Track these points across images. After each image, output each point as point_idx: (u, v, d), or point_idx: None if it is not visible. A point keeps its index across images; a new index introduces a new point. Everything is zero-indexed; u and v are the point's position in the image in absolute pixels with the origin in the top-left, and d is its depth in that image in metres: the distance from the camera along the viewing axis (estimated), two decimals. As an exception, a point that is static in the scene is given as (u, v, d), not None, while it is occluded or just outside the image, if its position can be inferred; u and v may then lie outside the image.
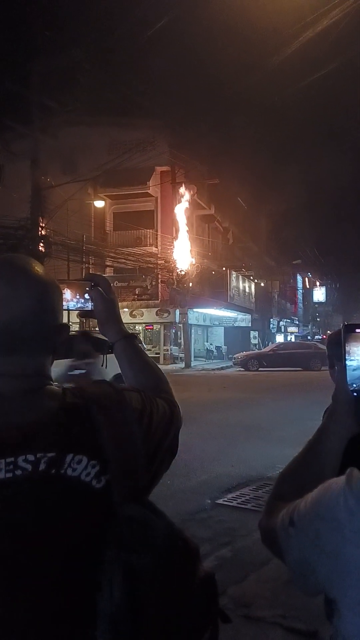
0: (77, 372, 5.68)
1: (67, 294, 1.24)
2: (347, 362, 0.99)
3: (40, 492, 0.85)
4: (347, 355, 0.99)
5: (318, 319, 62.67)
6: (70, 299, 1.25)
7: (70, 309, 1.26)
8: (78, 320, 19.10)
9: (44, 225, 21.52)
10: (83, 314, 1.27)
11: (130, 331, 1.25)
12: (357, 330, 1.00)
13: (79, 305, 1.27)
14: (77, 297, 1.26)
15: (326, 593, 0.82)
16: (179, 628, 0.84)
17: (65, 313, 1.10)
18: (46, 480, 0.85)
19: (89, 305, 1.26)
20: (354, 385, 0.97)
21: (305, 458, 0.99)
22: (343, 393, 0.98)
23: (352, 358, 0.98)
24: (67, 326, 1.04)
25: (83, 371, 5.70)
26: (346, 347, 0.99)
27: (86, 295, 1.26)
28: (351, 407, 0.97)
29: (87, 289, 1.26)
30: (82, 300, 1.27)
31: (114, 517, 0.86)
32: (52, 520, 0.84)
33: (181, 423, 1.13)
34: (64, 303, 1.15)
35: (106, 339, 1.26)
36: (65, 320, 1.06)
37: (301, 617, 3.12)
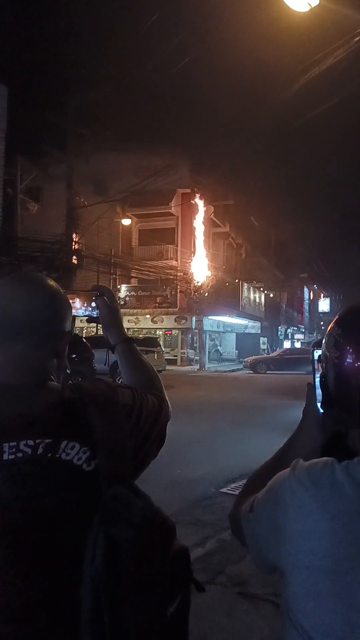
0: None
1: (77, 302, 1.30)
2: (316, 381, 0.97)
3: (38, 472, 0.89)
4: (316, 373, 0.97)
5: (322, 327, 62.00)
6: (79, 307, 1.30)
7: (80, 315, 1.31)
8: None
9: (77, 240, 21.74)
10: (90, 319, 1.31)
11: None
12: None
13: (87, 312, 1.32)
14: (85, 305, 1.32)
15: (276, 566, 0.85)
16: (152, 591, 0.87)
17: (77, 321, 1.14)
18: (43, 462, 0.89)
19: (95, 313, 1.31)
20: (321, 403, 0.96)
21: (276, 462, 1.01)
22: (312, 409, 0.99)
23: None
24: (69, 333, 1.07)
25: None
26: (315, 366, 0.98)
27: (93, 304, 1.31)
28: (318, 422, 0.98)
29: (94, 298, 1.30)
30: (90, 309, 1.31)
31: (100, 495, 0.90)
32: (47, 496, 0.89)
33: (169, 417, 1.15)
34: (74, 310, 1.19)
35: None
36: (75, 329, 1.10)
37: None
